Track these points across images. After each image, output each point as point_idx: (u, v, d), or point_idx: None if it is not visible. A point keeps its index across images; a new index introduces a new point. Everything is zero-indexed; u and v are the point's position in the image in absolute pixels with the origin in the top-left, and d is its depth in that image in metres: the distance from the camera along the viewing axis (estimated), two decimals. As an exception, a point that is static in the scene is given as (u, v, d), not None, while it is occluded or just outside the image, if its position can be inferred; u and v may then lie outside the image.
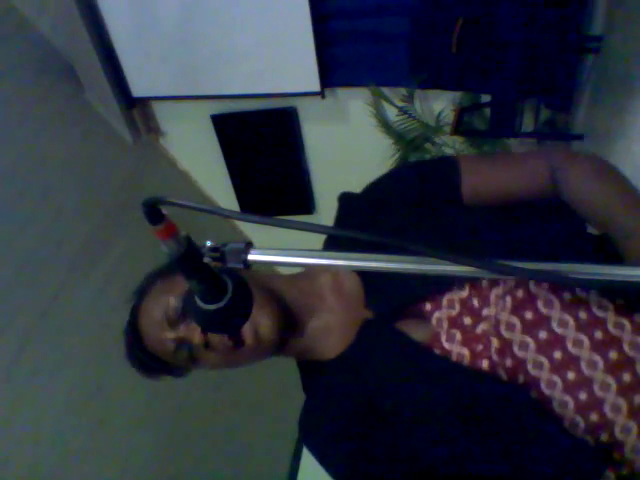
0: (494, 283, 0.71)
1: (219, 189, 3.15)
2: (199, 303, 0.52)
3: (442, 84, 2.37)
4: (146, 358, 0.79)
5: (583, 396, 0.66)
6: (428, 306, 0.73)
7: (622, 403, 0.64)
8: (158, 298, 0.77)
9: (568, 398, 0.66)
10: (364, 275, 0.78)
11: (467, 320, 0.71)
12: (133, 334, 0.80)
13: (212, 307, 0.52)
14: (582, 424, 0.66)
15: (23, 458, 1.81)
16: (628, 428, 0.65)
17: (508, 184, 0.81)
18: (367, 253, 0.50)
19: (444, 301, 0.72)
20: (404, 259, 0.48)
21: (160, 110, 2.86)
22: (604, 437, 0.65)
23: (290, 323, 0.78)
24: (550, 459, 0.67)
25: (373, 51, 2.36)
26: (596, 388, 0.65)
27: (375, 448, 0.72)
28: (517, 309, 0.69)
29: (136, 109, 2.73)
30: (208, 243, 0.50)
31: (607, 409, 0.65)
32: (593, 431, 0.65)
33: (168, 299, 0.75)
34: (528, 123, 2.34)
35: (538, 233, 0.78)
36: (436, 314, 0.72)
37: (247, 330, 0.73)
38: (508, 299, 0.69)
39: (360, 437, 0.73)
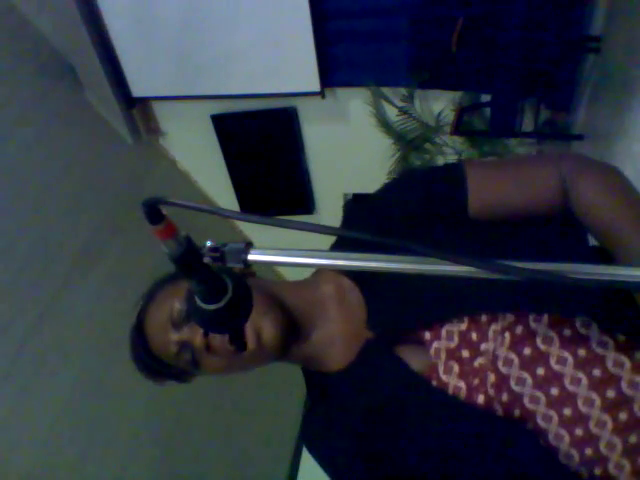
0: (493, 318, 0.71)
1: (219, 189, 3.15)
2: (199, 303, 0.52)
3: (442, 84, 2.37)
4: (151, 361, 0.80)
5: (579, 432, 0.66)
6: (427, 335, 0.73)
7: (617, 441, 0.65)
8: (164, 301, 0.77)
9: (564, 432, 0.67)
10: (366, 292, 0.78)
11: (465, 353, 0.71)
12: (138, 337, 0.80)
13: (212, 307, 0.52)
14: (577, 457, 0.66)
15: (23, 458, 1.81)
16: (621, 465, 0.65)
17: (517, 200, 0.78)
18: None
19: (443, 332, 0.72)
20: (404, 259, 0.48)
21: (160, 110, 2.86)
22: (598, 471, 0.66)
23: (293, 330, 0.78)
24: None
25: (373, 51, 2.36)
26: (592, 425, 0.66)
27: (376, 462, 0.74)
28: (515, 345, 0.69)
29: (136, 109, 2.74)
30: (208, 243, 0.50)
31: (602, 446, 0.66)
32: (587, 465, 0.66)
33: (173, 302, 0.75)
34: (528, 123, 2.34)
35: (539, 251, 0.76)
36: (435, 344, 0.72)
37: (250, 334, 0.73)
38: (507, 335, 0.69)
39: (361, 448, 0.74)
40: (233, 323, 0.56)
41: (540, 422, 0.68)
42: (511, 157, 0.76)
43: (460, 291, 0.71)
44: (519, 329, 0.69)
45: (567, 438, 0.67)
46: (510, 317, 0.71)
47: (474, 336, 0.71)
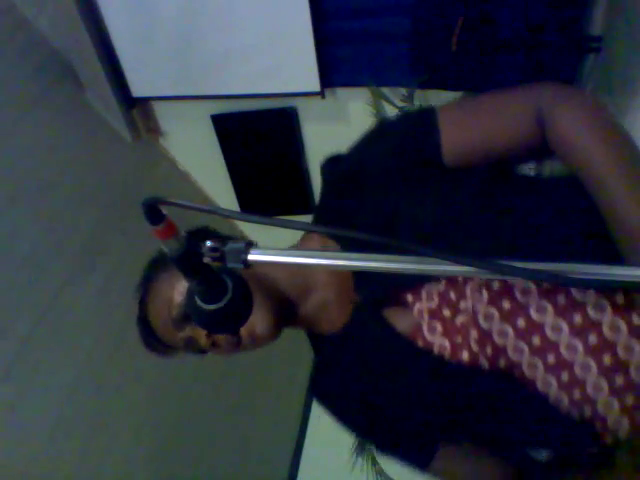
0: (469, 277, 0.71)
1: (219, 189, 3.15)
2: (199, 303, 0.52)
3: (442, 84, 2.37)
4: (161, 346, 0.84)
5: (565, 376, 0.68)
6: (409, 297, 0.75)
7: (603, 383, 0.67)
8: (162, 294, 0.79)
9: (551, 378, 0.68)
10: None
11: (446, 312, 0.73)
12: (144, 327, 0.83)
13: (212, 307, 0.52)
14: (566, 400, 0.68)
15: (23, 458, 1.81)
16: (610, 404, 0.67)
17: (492, 138, 0.74)
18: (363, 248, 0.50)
19: (423, 293, 0.74)
20: (404, 259, 0.48)
21: (160, 110, 2.86)
22: (587, 412, 0.68)
23: (287, 309, 0.81)
24: (536, 434, 0.72)
25: (373, 51, 2.36)
26: (577, 369, 0.67)
27: (374, 414, 0.79)
28: (494, 300, 0.70)
29: (136, 109, 2.73)
30: (208, 243, 0.50)
31: (589, 388, 0.67)
32: (577, 407, 0.68)
33: (172, 296, 0.77)
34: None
35: (527, 208, 0.74)
36: (417, 305, 0.74)
37: (244, 332, 0.76)
38: (484, 291, 0.70)
39: (361, 401, 0.80)
40: (233, 323, 0.56)
41: (526, 371, 0.69)
42: (486, 94, 0.71)
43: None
44: (496, 284, 0.70)
45: (555, 383, 0.68)
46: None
47: (452, 295, 0.72)
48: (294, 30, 2.29)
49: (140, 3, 2.33)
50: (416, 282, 0.74)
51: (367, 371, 0.78)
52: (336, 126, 2.71)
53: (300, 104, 2.66)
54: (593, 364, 0.66)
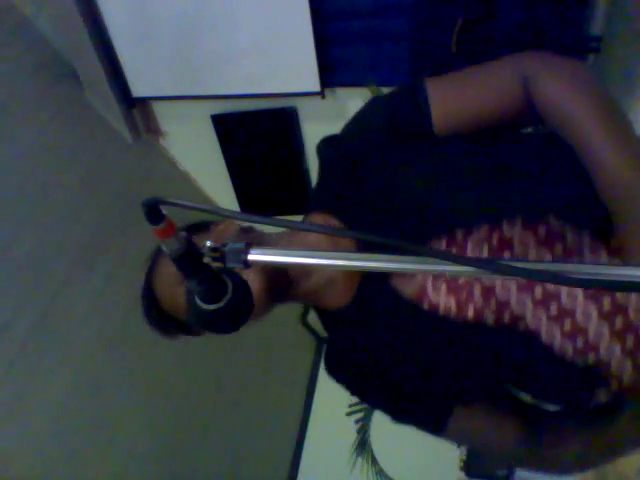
0: (468, 232, 0.73)
1: (219, 189, 3.15)
2: (199, 303, 0.52)
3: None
4: (164, 319, 0.81)
5: (567, 325, 0.69)
6: None
7: (604, 327, 0.69)
8: (171, 267, 0.80)
9: (554, 328, 0.70)
10: (354, 228, 0.80)
11: None
12: (149, 297, 0.81)
13: (212, 307, 0.52)
14: (570, 349, 0.70)
15: (23, 458, 1.81)
16: (612, 348, 0.69)
17: (480, 107, 0.76)
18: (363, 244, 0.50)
19: None
20: (404, 259, 0.48)
21: (160, 110, 2.86)
22: (591, 359, 0.70)
23: (282, 286, 0.80)
24: (544, 385, 0.74)
25: (373, 51, 2.36)
26: (578, 316, 0.69)
27: (387, 384, 0.80)
28: (494, 254, 0.71)
29: (136, 109, 2.73)
30: (208, 243, 0.50)
31: (590, 334, 0.69)
32: (581, 354, 0.70)
33: None
34: (528, 123, 2.34)
35: (517, 152, 0.77)
36: None
37: None
38: (484, 246, 0.72)
39: (373, 373, 0.81)
40: (233, 323, 0.56)
41: (530, 324, 0.71)
42: (474, 66, 0.76)
43: (434, 212, 0.74)
44: (495, 239, 0.71)
45: (558, 332, 0.70)
46: (484, 228, 0.72)
47: (454, 252, 0.73)
48: (294, 30, 2.29)
49: (140, 3, 2.33)
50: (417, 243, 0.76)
51: (378, 341, 0.79)
52: (336, 126, 2.69)
53: (300, 104, 2.66)
54: (594, 309, 0.68)
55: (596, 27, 2.07)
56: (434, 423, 0.80)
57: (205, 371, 2.70)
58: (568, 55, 0.79)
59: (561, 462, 0.79)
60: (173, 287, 0.77)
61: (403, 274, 0.77)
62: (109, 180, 2.54)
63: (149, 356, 2.32)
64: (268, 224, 0.47)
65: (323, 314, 0.87)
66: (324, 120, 2.69)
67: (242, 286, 0.54)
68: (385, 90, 2.44)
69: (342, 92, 2.57)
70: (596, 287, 0.63)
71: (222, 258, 0.49)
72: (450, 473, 3.07)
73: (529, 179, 0.74)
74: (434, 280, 0.74)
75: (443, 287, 0.74)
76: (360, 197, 0.79)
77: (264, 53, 2.40)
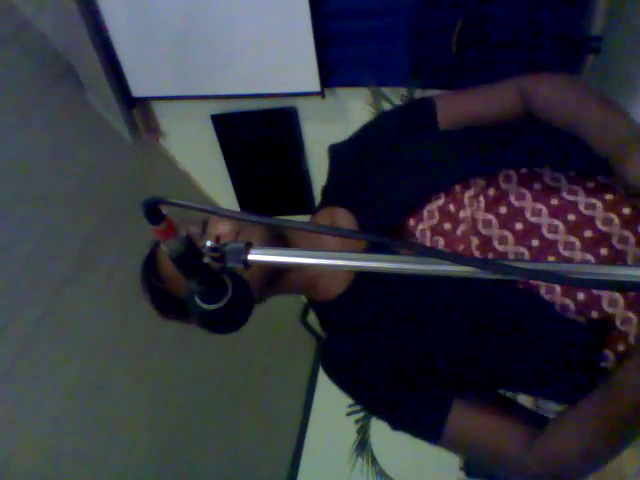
0: (466, 186, 0.75)
1: (219, 189, 3.15)
2: (199, 303, 0.52)
3: (442, 84, 2.37)
4: (165, 300, 0.81)
5: None
6: (412, 221, 0.78)
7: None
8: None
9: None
10: (356, 210, 0.82)
11: (447, 226, 0.75)
12: (152, 278, 0.81)
13: (212, 307, 0.52)
14: (572, 306, 0.69)
15: (24, 458, 1.81)
16: (615, 300, 0.68)
17: (481, 109, 0.83)
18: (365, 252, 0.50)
19: (424, 213, 0.77)
20: (404, 259, 0.48)
21: (160, 110, 2.86)
22: (594, 314, 0.69)
23: (277, 276, 0.80)
24: (547, 342, 0.72)
25: (373, 51, 2.36)
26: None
27: (389, 371, 0.77)
28: (491, 206, 0.73)
29: (136, 109, 2.73)
30: (208, 243, 0.50)
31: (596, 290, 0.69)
32: (583, 310, 0.69)
33: (187, 228, 0.77)
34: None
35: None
36: (419, 227, 0.77)
37: None
38: (481, 199, 0.73)
39: (373, 362, 0.78)
40: (233, 323, 0.56)
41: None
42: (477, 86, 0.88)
43: (430, 170, 0.77)
44: (491, 191, 0.74)
45: (558, 288, 0.70)
46: (481, 182, 0.75)
47: (452, 207, 0.75)
48: (294, 30, 2.29)
49: (140, 3, 2.33)
50: (415, 207, 0.77)
51: (381, 315, 0.78)
52: (336, 126, 2.71)
53: (300, 104, 2.66)
54: (592, 258, 0.69)
55: (596, 27, 2.07)
56: (433, 418, 0.75)
57: (205, 371, 2.70)
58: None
59: (566, 460, 0.67)
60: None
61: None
62: (109, 180, 2.54)
63: (149, 356, 2.32)
64: (268, 224, 0.47)
65: (319, 306, 0.87)
66: (324, 120, 2.70)
67: (242, 286, 0.54)
68: (385, 90, 2.44)
69: (342, 92, 2.57)
70: (596, 287, 0.63)
71: (222, 258, 0.49)
72: (450, 473, 3.07)
73: (524, 134, 0.79)
74: (432, 236, 0.76)
75: (441, 241, 0.75)
76: (368, 182, 0.83)
77: (264, 53, 2.40)
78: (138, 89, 2.63)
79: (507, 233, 0.71)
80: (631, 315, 0.68)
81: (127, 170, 2.70)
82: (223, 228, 0.76)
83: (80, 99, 2.56)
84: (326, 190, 0.92)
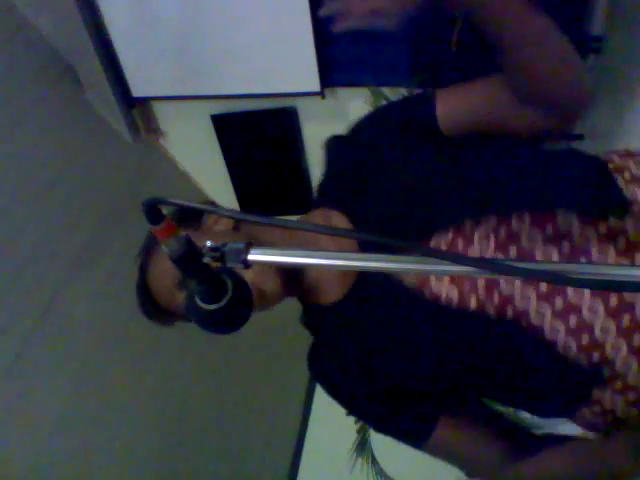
0: (477, 224, 0.73)
1: (219, 189, 3.15)
2: (199, 303, 0.52)
3: (442, 84, 2.37)
4: (160, 312, 0.82)
5: (573, 320, 0.68)
6: None
7: (610, 324, 0.67)
8: (164, 262, 0.80)
9: (558, 324, 0.69)
10: (354, 217, 0.81)
11: None
12: (144, 293, 0.83)
13: (212, 307, 0.52)
14: (574, 346, 0.69)
15: (24, 458, 1.81)
16: (618, 346, 0.68)
17: (479, 100, 0.82)
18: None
19: (432, 244, 0.74)
20: (404, 259, 0.48)
21: (160, 110, 2.86)
22: (596, 357, 0.69)
23: (293, 277, 0.81)
24: (544, 382, 0.72)
25: (373, 51, 2.36)
26: (584, 312, 0.68)
27: (380, 380, 0.78)
28: (501, 247, 0.71)
29: (136, 109, 2.73)
30: (208, 243, 0.50)
31: (597, 331, 0.68)
32: (585, 352, 0.69)
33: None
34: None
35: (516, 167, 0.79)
36: None
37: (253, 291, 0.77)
38: (492, 238, 0.71)
39: (360, 373, 0.79)
40: (233, 323, 0.56)
41: (533, 319, 0.69)
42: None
43: (442, 202, 0.74)
44: (502, 231, 0.71)
45: (562, 329, 0.69)
46: (493, 220, 0.72)
47: (460, 243, 0.73)
48: (294, 30, 2.29)
49: (140, 3, 2.33)
50: (423, 234, 0.75)
51: (372, 333, 0.78)
52: (336, 126, 2.68)
53: (300, 104, 2.66)
54: (600, 306, 0.67)
55: (596, 27, 2.07)
56: (418, 430, 0.78)
57: (205, 371, 2.70)
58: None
59: None
60: (170, 291, 0.78)
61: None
62: (109, 180, 2.53)
63: (149, 356, 2.32)
64: (268, 224, 0.47)
65: (313, 311, 0.87)
66: (324, 120, 2.69)
67: (242, 286, 0.54)
68: (385, 90, 2.44)
69: (342, 92, 2.57)
70: (596, 287, 0.63)
71: (222, 258, 0.49)
72: (450, 473, 3.07)
73: (538, 175, 0.76)
74: None
75: (446, 277, 0.73)
76: (367, 189, 0.80)
77: (264, 53, 2.40)
78: (138, 89, 2.63)
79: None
80: (633, 360, 0.68)
81: (127, 170, 2.70)
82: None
83: (80, 99, 2.56)
84: (321, 188, 0.90)
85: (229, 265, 0.49)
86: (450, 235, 0.73)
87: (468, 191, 0.74)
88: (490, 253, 0.71)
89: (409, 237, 0.75)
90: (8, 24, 2.26)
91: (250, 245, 0.50)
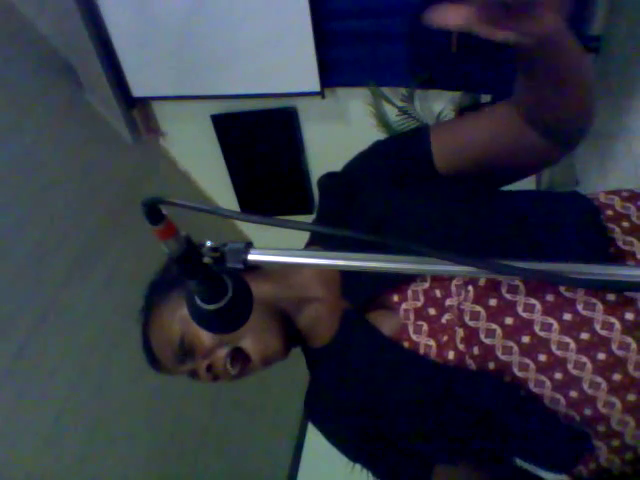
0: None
1: (219, 189, 3.15)
2: (199, 303, 0.52)
3: (442, 84, 2.37)
4: (166, 370, 0.86)
5: (559, 375, 0.65)
6: (395, 297, 0.74)
7: (601, 381, 0.64)
8: (162, 328, 0.81)
9: (543, 378, 0.66)
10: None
11: (432, 311, 0.71)
12: (149, 353, 0.85)
13: (212, 307, 0.52)
14: (563, 400, 0.65)
15: (23, 458, 1.81)
16: (611, 403, 0.64)
17: (474, 133, 0.79)
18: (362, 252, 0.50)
19: (409, 292, 0.73)
20: (404, 259, 0.48)
21: (160, 110, 2.86)
22: (588, 412, 0.65)
23: (291, 331, 0.82)
24: (529, 437, 0.69)
25: (373, 51, 2.36)
26: (570, 367, 0.64)
27: (366, 424, 0.77)
28: (480, 297, 0.68)
29: (136, 109, 2.73)
30: (208, 243, 0.50)
31: (586, 386, 0.64)
32: (575, 407, 0.65)
33: (172, 329, 0.79)
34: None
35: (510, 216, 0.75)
36: (403, 305, 0.73)
37: (256, 356, 0.79)
38: (470, 288, 0.69)
39: (352, 414, 0.78)
40: (233, 323, 0.56)
41: (517, 372, 0.66)
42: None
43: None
44: (482, 281, 0.69)
45: (548, 383, 0.65)
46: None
47: (438, 293, 0.71)
48: (294, 30, 2.29)
49: (140, 3, 2.33)
50: (401, 283, 0.73)
51: (358, 380, 0.77)
52: (336, 126, 2.71)
53: (300, 104, 2.66)
54: (587, 361, 0.64)
55: (596, 27, 2.07)
56: (415, 477, 0.76)
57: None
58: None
59: None
60: (169, 361, 0.81)
61: (383, 313, 0.75)
62: (109, 180, 2.53)
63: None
64: (268, 224, 0.47)
65: (310, 354, 0.87)
66: (324, 120, 2.70)
67: (242, 286, 0.54)
68: (385, 90, 2.44)
69: (342, 92, 2.57)
70: (596, 287, 0.62)
71: (222, 258, 0.49)
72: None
73: (532, 230, 0.72)
74: (416, 319, 0.72)
75: (425, 327, 0.71)
76: (351, 220, 0.80)
77: (264, 53, 2.40)
78: (138, 89, 2.63)
79: (495, 326, 0.67)
80: (629, 419, 0.64)
81: (127, 170, 2.70)
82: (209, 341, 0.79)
83: (80, 99, 2.56)
84: (320, 218, 0.89)
85: (229, 265, 0.49)
86: (427, 283, 0.72)
87: (452, 240, 0.71)
88: (469, 303, 0.68)
89: (388, 285, 0.74)
90: (8, 24, 2.26)
91: (250, 245, 0.50)
